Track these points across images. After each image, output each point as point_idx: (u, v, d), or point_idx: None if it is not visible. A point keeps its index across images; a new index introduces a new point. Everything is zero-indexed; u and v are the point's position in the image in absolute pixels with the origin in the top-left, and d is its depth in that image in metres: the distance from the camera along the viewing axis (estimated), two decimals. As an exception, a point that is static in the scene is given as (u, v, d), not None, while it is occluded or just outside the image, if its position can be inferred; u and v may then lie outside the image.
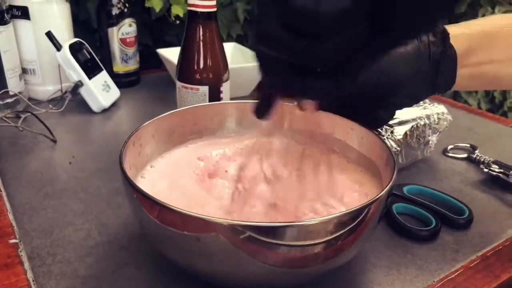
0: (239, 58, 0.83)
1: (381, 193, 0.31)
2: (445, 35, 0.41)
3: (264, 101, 0.35)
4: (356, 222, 0.29)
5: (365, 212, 0.29)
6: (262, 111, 0.35)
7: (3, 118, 0.58)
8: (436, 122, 0.55)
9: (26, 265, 0.37)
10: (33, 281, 0.36)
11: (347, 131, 0.43)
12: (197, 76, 0.55)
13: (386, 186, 0.31)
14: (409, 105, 0.44)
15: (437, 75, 0.41)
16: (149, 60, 0.89)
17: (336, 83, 0.29)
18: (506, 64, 0.42)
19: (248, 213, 0.36)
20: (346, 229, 0.29)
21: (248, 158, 0.42)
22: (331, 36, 0.26)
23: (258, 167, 0.41)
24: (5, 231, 0.41)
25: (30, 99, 0.70)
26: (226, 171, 0.42)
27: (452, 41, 0.41)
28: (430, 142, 0.56)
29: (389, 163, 0.36)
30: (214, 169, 0.42)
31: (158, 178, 0.40)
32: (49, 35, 0.66)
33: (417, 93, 0.43)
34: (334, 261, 0.32)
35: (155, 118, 0.41)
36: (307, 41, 0.26)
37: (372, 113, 0.42)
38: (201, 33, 0.54)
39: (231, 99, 0.60)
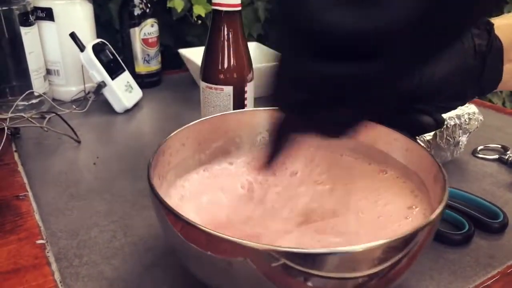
0: (261, 58, 0.82)
1: (436, 212, 0.27)
2: (490, 26, 0.37)
3: (276, 145, 0.30)
4: (408, 248, 0.26)
5: (417, 236, 0.26)
6: (274, 157, 0.31)
7: (29, 118, 0.59)
8: (466, 122, 0.53)
9: (54, 266, 0.37)
10: (60, 282, 0.35)
11: (391, 142, 0.39)
12: (222, 76, 0.54)
13: (439, 206, 0.28)
14: (454, 107, 0.40)
15: (484, 70, 0.37)
16: (171, 60, 0.89)
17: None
18: None
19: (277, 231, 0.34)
20: (399, 256, 0.26)
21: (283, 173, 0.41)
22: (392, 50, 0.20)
23: (292, 179, 0.40)
24: (32, 232, 0.41)
25: (53, 99, 0.71)
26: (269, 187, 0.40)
27: (495, 32, 0.37)
28: (460, 143, 0.54)
29: (438, 178, 0.33)
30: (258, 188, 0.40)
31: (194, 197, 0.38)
32: (73, 36, 0.66)
33: (463, 93, 0.39)
34: None
35: (185, 126, 0.39)
36: (355, 63, 0.21)
37: (415, 118, 0.38)
38: (225, 32, 0.53)
39: (254, 99, 0.59)
